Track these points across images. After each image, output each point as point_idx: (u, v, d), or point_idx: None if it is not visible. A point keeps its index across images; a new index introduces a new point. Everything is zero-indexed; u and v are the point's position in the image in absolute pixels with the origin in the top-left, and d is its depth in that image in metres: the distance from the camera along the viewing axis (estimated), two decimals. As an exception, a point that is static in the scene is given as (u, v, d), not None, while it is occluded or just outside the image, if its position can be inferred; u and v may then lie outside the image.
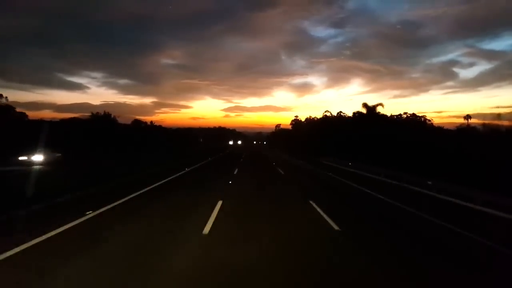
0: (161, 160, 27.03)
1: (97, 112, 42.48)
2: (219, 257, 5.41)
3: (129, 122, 57.14)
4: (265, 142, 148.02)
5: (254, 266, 5.10)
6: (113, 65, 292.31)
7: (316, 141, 47.30)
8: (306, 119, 73.38)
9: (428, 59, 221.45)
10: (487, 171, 16.23)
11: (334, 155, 34.02)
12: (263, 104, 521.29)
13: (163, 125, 76.13)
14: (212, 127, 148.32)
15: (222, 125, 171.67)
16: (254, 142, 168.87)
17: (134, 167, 20.05)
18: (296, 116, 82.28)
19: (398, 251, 6.47)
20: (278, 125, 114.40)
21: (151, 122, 63.00)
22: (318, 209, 9.79)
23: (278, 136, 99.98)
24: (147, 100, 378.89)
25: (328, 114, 58.12)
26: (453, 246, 7.24)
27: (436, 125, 44.53)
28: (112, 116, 43.17)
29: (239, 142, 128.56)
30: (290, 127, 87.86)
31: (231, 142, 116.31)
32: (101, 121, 40.11)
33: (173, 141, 59.64)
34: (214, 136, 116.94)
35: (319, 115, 66.10)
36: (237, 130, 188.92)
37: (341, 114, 55.03)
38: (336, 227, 7.78)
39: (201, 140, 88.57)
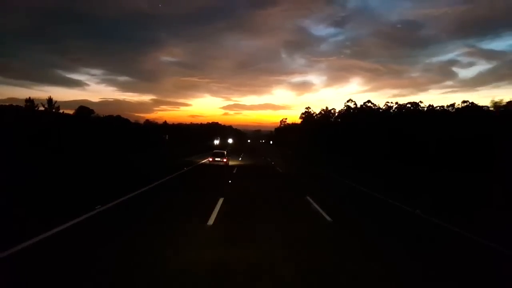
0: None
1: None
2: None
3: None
4: (271, 142, 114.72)
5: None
6: (112, 62, 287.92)
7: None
8: (322, 111, 60.02)
9: (428, 59, 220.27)
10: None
11: None
12: (262, 102, 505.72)
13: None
14: (205, 123, 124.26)
15: (220, 122, 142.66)
16: (249, 141, 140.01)
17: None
18: (308, 108, 66.55)
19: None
20: (283, 120, 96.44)
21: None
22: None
23: (284, 133, 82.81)
24: (146, 98, 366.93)
25: (350, 104, 48.50)
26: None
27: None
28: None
29: (230, 141, 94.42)
30: (294, 122, 75.37)
31: (216, 142, 78.09)
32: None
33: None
34: (202, 134, 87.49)
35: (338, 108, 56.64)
36: (233, 126, 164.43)
37: (371, 105, 45.56)
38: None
39: (167, 137, 54.96)
